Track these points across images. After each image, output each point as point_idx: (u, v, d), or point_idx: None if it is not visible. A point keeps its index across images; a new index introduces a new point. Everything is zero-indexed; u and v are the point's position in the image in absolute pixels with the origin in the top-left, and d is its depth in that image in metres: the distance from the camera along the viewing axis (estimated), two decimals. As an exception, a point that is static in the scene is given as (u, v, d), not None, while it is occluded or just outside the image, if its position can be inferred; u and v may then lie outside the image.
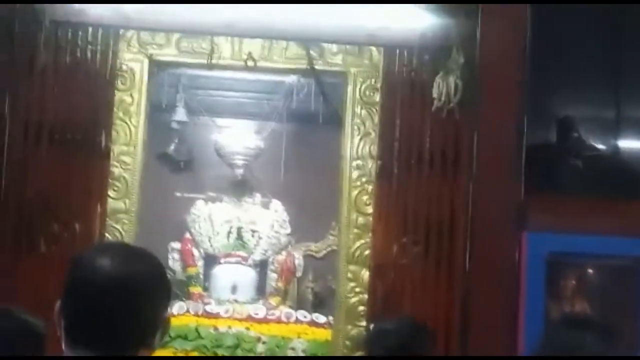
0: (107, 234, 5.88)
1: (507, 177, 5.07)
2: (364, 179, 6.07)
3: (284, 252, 8.24)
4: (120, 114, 5.98)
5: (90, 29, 5.57)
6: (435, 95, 5.32)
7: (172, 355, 7.23)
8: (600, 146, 5.45)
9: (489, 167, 5.09)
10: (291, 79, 7.43)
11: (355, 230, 6.08)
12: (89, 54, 5.59)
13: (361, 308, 5.93)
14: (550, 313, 5.17)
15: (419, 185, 5.46)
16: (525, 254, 5.03)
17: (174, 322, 7.34)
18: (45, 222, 5.38)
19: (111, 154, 5.89)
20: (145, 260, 2.25)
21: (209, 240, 8.17)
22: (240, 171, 8.14)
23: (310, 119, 7.75)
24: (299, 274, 8.26)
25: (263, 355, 7.30)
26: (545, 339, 3.05)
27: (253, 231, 8.23)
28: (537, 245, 5.02)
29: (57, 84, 5.44)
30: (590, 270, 5.22)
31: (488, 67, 5.14)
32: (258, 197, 8.34)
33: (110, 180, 5.90)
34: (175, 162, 8.46)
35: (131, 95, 6.06)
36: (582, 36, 5.43)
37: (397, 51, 5.62)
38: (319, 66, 6.30)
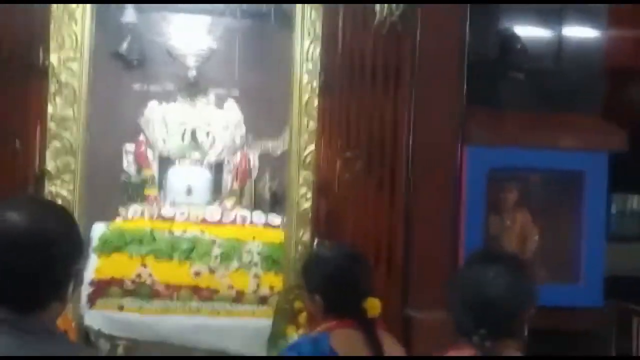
0: (56, 142, 5.85)
1: (449, 91, 5.03)
2: (314, 83, 6.01)
3: (239, 153, 8.25)
4: (66, 19, 5.87)
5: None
6: (377, 8, 5.22)
7: (128, 259, 7.30)
8: (543, 59, 5.39)
9: (430, 81, 5.04)
10: (242, -21, 7.32)
11: (306, 136, 6.06)
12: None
13: (312, 214, 5.97)
14: (491, 227, 5.21)
15: (362, 99, 5.41)
16: (466, 168, 5.02)
17: (129, 225, 7.39)
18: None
19: (58, 62, 5.81)
20: (53, 214, 2.28)
21: (164, 142, 8.15)
22: (193, 72, 8.07)
23: (263, 19, 7.67)
24: (254, 174, 8.29)
25: (218, 257, 7.37)
26: (459, 274, 3.07)
27: (208, 132, 8.21)
28: (478, 159, 5.02)
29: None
30: (531, 184, 5.24)
31: (429, -21, 5.03)
32: (212, 97, 8.29)
33: (57, 87, 5.83)
34: (128, 61, 8.37)
35: (76, 0, 5.93)
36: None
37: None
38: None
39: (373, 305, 3.42)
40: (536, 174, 5.29)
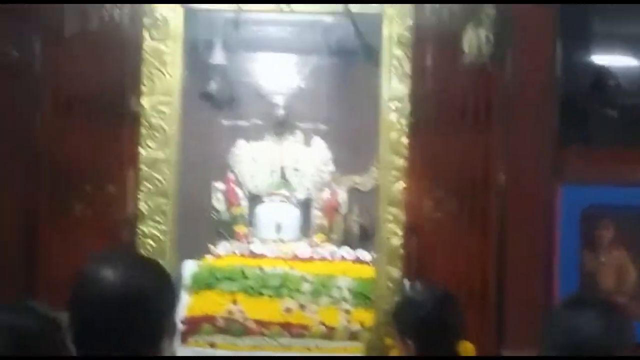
0: (147, 184, 5.95)
1: (542, 130, 4.99)
2: (402, 121, 6.01)
3: (327, 190, 8.26)
4: (156, 64, 5.98)
5: (117, -6, 5.53)
6: (466, 48, 5.20)
7: (219, 296, 7.35)
8: (636, 95, 5.31)
9: (522, 120, 5.01)
10: (329, 17, 7.35)
11: (394, 172, 6.05)
12: (117, 18, 5.55)
13: (402, 251, 5.94)
14: (586, 264, 5.13)
15: (452, 138, 5.39)
16: (561, 206, 4.97)
17: (220, 263, 7.45)
18: (79, 185, 5.44)
19: (149, 105, 5.92)
20: (147, 271, 2.31)
21: (252, 179, 8.21)
22: (281, 110, 8.12)
23: (350, 57, 7.69)
24: (343, 210, 8.28)
25: (308, 293, 7.37)
26: (552, 317, 3.01)
27: (296, 169, 8.24)
28: (572, 198, 4.96)
29: (85, 49, 5.44)
30: (628, 221, 5.15)
31: (520, 18, 5.01)
32: (300, 135, 8.33)
33: (149, 131, 5.94)
34: (217, 101, 8.46)
35: (166, 45, 6.04)
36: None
37: (427, 4, 5.50)
38: (355, 9, 6.21)
39: (467, 349, 3.40)
40: (632, 210, 5.20)
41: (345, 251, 7.69)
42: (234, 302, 7.27)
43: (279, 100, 8.10)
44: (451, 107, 5.43)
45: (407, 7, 5.90)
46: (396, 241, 5.96)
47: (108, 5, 5.54)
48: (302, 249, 7.69)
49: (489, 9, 5.13)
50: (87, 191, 5.47)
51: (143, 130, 5.90)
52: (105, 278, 2.23)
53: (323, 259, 7.64)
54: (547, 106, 4.97)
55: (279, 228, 7.96)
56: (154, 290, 2.28)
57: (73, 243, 5.36)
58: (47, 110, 5.30)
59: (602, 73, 5.27)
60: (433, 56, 5.56)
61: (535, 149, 5.00)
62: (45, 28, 5.18)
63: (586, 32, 5.31)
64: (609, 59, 5.38)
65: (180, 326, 7.07)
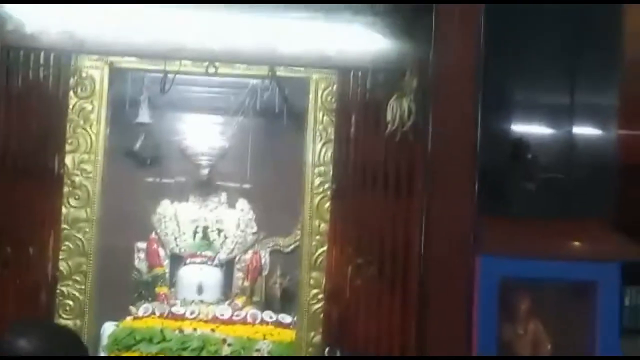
0: (68, 243, 5.89)
1: (460, 200, 5.05)
2: (326, 185, 6.07)
3: (250, 251, 8.28)
4: (81, 122, 5.98)
5: (42, 54, 5.51)
6: (389, 118, 5.29)
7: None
8: (554, 166, 5.42)
9: (441, 190, 5.06)
10: (255, 80, 7.42)
11: (318, 237, 6.10)
12: (41, 78, 5.54)
13: (323, 315, 5.96)
14: (503, 335, 5.18)
15: (373, 206, 5.45)
16: (479, 276, 5.03)
17: (140, 324, 7.39)
18: (-1, 247, 5.36)
19: (72, 164, 5.89)
20: (60, 339, 2.31)
21: (175, 240, 8.20)
22: (205, 171, 8.15)
23: (275, 119, 7.77)
24: (265, 272, 8.31)
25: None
26: None
27: (219, 230, 8.26)
28: (490, 268, 5.01)
29: (8, 109, 5.39)
30: (543, 293, 5.23)
31: (441, 89, 5.09)
32: (224, 196, 8.35)
33: (71, 189, 5.90)
34: (142, 159, 8.46)
35: (92, 103, 6.05)
36: (540, 50, 5.39)
37: (352, 73, 5.59)
38: (281, 72, 6.27)
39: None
40: (547, 283, 5.29)
41: (267, 314, 7.69)
42: (153, 365, 7.23)
43: (204, 160, 8.12)
44: (373, 174, 5.49)
45: (333, 73, 5.99)
46: (317, 305, 5.98)
47: (33, 63, 5.51)
48: (224, 311, 7.67)
49: (412, 80, 5.23)
50: (7, 253, 5.38)
51: (65, 189, 5.86)
52: (20, 349, 2.24)
53: (244, 321, 7.64)
54: (466, 175, 5.03)
55: (200, 289, 7.94)
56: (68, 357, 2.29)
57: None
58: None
59: (520, 144, 5.37)
60: (356, 124, 5.64)
61: (454, 217, 5.05)
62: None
63: (507, 103, 5.42)
64: (528, 129, 5.49)
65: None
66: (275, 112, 7.57)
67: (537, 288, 5.26)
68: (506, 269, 5.06)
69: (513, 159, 5.38)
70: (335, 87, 5.99)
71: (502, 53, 5.25)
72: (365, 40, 5.41)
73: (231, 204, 8.35)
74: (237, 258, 8.28)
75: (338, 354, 5.28)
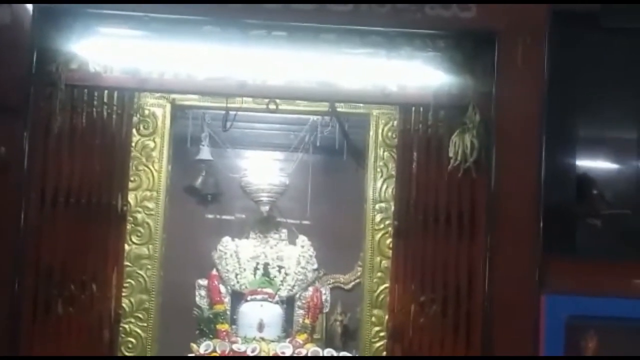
0: (130, 280, 5.91)
1: (525, 239, 5.00)
2: (387, 222, 6.03)
3: (310, 288, 8.22)
4: (143, 160, 6.02)
5: (106, 92, 5.57)
6: (451, 154, 5.26)
7: (200, 395, 7.26)
8: (620, 203, 5.34)
9: (506, 228, 5.02)
10: (315, 116, 7.42)
11: (379, 274, 6.05)
12: (105, 116, 5.60)
13: (385, 353, 5.89)
14: (570, 375, 5.09)
15: (436, 244, 5.42)
16: (544, 316, 4.95)
17: (201, 362, 7.37)
18: (63, 285, 5.41)
19: (135, 201, 5.93)
20: None
21: (236, 277, 8.17)
22: (266, 207, 8.12)
23: (335, 155, 7.74)
24: (326, 309, 8.24)
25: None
26: None
27: (280, 267, 8.21)
28: (556, 307, 4.95)
29: (73, 147, 5.46)
30: (611, 331, 5.13)
31: (504, 124, 5.07)
32: (284, 232, 8.33)
33: (133, 226, 5.94)
34: (203, 196, 8.49)
35: (154, 140, 6.10)
36: (603, 86, 5.32)
37: (413, 109, 5.57)
38: (341, 108, 6.26)
39: None
40: (615, 321, 5.18)
41: (328, 352, 7.62)
42: (215, 402, 7.19)
43: (264, 196, 8.10)
44: (435, 212, 5.46)
45: (394, 109, 5.96)
46: (379, 343, 5.93)
47: (97, 102, 5.57)
48: (285, 348, 7.61)
49: (474, 115, 5.19)
50: (72, 290, 5.43)
51: (128, 226, 5.90)
52: None
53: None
54: (531, 213, 4.98)
55: (261, 327, 7.88)
56: None
57: (55, 342, 5.30)
58: (33, 206, 5.28)
59: (585, 181, 5.30)
60: (418, 160, 5.61)
61: (519, 256, 5.00)
62: (34, 123, 5.18)
63: (571, 138, 5.36)
64: (593, 165, 5.42)
65: None
66: (336, 149, 7.55)
67: (605, 327, 5.16)
68: (572, 308, 4.99)
69: (578, 196, 5.31)
70: (396, 122, 5.96)
71: (567, 87, 5.20)
72: (426, 75, 5.39)
73: (291, 241, 8.31)
74: (297, 295, 8.22)
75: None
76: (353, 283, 8.34)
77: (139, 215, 5.99)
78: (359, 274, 7.68)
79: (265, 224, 8.28)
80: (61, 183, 5.44)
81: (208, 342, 7.69)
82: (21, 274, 5.20)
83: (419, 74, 5.38)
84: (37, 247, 5.33)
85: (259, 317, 7.92)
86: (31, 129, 5.22)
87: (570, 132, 5.34)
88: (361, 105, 6.17)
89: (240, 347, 7.61)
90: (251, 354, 7.53)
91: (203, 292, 8.16)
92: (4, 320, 5.05)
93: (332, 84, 5.52)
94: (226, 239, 8.21)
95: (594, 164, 5.41)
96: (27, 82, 5.20)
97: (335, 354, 7.61)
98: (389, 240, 5.96)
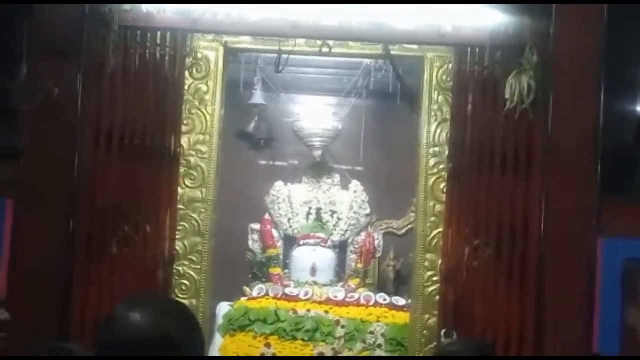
0: (184, 223, 5.93)
1: (582, 181, 4.92)
2: (441, 166, 5.96)
3: (363, 233, 8.22)
4: (196, 103, 6.00)
5: (158, 33, 5.55)
6: (507, 95, 5.17)
7: (252, 339, 7.31)
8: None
9: (562, 171, 4.94)
10: (369, 60, 7.35)
11: (433, 219, 5.99)
12: (158, 57, 5.59)
13: (438, 297, 5.86)
14: (627, 318, 5.03)
15: (491, 187, 5.35)
16: (601, 260, 4.89)
17: (254, 305, 7.41)
18: (117, 225, 5.44)
19: (188, 145, 5.93)
20: (175, 317, 2.29)
21: (289, 222, 8.19)
22: (318, 152, 8.11)
23: (389, 99, 7.68)
24: (378, 254, 8.24)
25: (342, 338, 7.32)
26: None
27: (332, 212, 8.22)
28: (612, 251, 4.88)
29: (126, 88, 5.47)
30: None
31: (562, 66, 4.97)
32: (337, 177, 8.31)
33: (186, 170, 5.94)
34: (256, 140, 8.49)
35: (207, 84, 6.07)
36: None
37: (469, 50, 5.48)
38: (395, 51, 6.18)
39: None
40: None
41: (380, 297, 7.62)
42: (267, 345, 7.23)
43: (317, 141, 8.08)
44: (491, 154, 5.38)
45: (448, 52, 5.87)
46: (432, 288, 5.90)
47: (150, 43, 5.56)
48: (337, 293, 7.63)
49: (531, 56, 5.10)
50: (126, 231, 5.46)
51: (181, 169, 5.90)
52: (132, 322, 2.22)
53: (358, 303, 7.57)
54: (589, 156, 4.90)
55: (314, 271, 7.91)
56: (181, 335, 2.26)
57: (109, 283, 5.36)
58: (87, 148, 5.31)
59: (644, 124, 5.20)
60: (474, 102, 5.53)
61: (576, 199, 4.93)
62: (88, 65, 5.20)
63: (630, 81, 5.25)
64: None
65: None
66: (390, 93, 7.48)
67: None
68: (630, 251, 4.92)
69: (637, 139, 5.21)
70: (451, 65, 5.86)
71: (628, 28, 5.08)
72: (482, 15, 5.30)
73: (344, 186, 8.30)
74: (350, 240, 8.23)
75: (454, 337, 5.19)
76: (406, 229, 8.31)
77: (192, 159, 5.97)
78: (412, 219, 7.62)
79: (318, 169, 8.27)
80: (115, 125, 5.46)
81: (261, 285, 7.74)
82: (76, 215, 5.26)
83: (475, 14, 5.28)
84: (91, 188, 5.37)
85: (312, 261, 7.95)
86: (85, 70, 5.24)
87: (630, 74, 5.23)
88: (415, 48, 6.05)
89: (292, 291, 7.65)
90: (304, 298, 7.57)
91: (256, 236, 8.22)
92: (60, 260, 5.11)
93: (386, 24, 5.43)
94: (279, 184, 8.23)
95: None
96: (81, 24, 5.21)
97: (387, 298, 7.62)
98: (442, 185, 5.88)
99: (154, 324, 2.23)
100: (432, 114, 6.02)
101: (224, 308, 7.42)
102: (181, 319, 2.31)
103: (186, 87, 5.94)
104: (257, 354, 7.17)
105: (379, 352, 7.23)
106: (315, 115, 8.10)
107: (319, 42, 6.01)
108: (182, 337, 2.26)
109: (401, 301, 7.53)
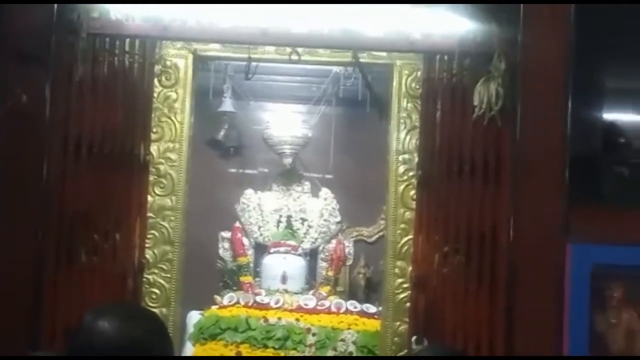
0: (154, 231, 5.90)
1: (550, 187, 4.94)
2: (411, 173, 5.97)
3: (334, 241, 8.24)
4: (166, 111, 5.97)
5: (127, 40, 5.53)
6: (476, 102, 5.19)
7: (223, 347, 7.30)
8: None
9: (531, 177, 4.97)
10: (338, 68, 7.37)
11: (402, 226, 5.99)
12: (126, 65, 5.56)
13: (409, 304, 5.86)
14: (596, 325, 5.06)
15: (460, 193, 5.36)
16: (569, 265, 4.91)
17: (225, 313, 7.40)
18: (86, 233, 5.40)
19: (157, 152, 5.90)
20: (144, 325, 2.28)
21: (259, 229, 8.19)
22: (288, 160, 8.13)
23: (358, 107, 7.70)
24: (349, 262, 8.26)
25: (313, 346, 7.32)
26: None
27: (303, 220, 8.23)
28: (581, 257, 4.90)
29: (95, 95, 5.43)
30: (637, 282, 5.08)
31: (530, 73, 4.99)
32: (307, 185, 8.32)
33: (156, 178, 5.91)
34: (225, 148, 8.49)
35: (176, 92, 6.04)
36: (631, 35, 5.23)
37: (437, 57, 5.50)
38: (364, 59, 6.18)
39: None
40: (640, 272, 5.13)
41: (351, 304, 7.63)
42: (238, 354, 7.22)
43: (287, 149, 8.09)
44: (460, 161, 5.40)
45: (417, 59, 5.89)
46: (402, 295, 5.90)
47: (118, 51, 5.53)
48: (308, 300, 7.64)
49: (499, 63, 5.12)
50: (95, 239, 5.42)
51: (151, 177, 5.87)
52: (101, 330, 2.21)
53: (329, 311, 7.59)
54: (557, 162, 4.92)
55: (284, 279, 7.92)
56: (150, 342, 2.26)
57: (79, 291, 5.31)
58: (56, 155, 5.27)
59: (612, 130, 5.23)
60: (442, 109, 5.54)
61: (544, 205, 4.95)
62: (56, 72, 5.16)
63: (597, 87, 5.28)
64: (620, 116, 5.34)
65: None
66: (359, 100, 7.50)
67: (631, 276, 5.11)
68: (598, 257, 4.94)
69: (605, 144, 5.24)
70: (419, 72, 5.88)
71: (594, 37, 5.11)
72: (450, 23, 5.32)
73: (314, 193, 8.32)
74: (320, 247, 8.25)
75: (425, 343, 5.19)
76: (376, 236, 8.34)
77: (161, 167, 5.95)
78: (382, 226, 7.64)
79: (288, 177, 8.29)
80: (83, 132, 5.42)
81: (232, 293, 7.74)
82: (44, 223, 5.21)
83: (444, 21, 5.30)
84: (60, 196, 5.33)
85: (282, 269, 7.96)
86: (53, 77, 5.20)
87: (598, 81, 5.25)
88: (384, 55, 6.06)
89: (263, 299, 7.66)
90: (275, 306, 7.57)
91: (226, 245, 8.21)
92: (28, 269, 5.06)
93: (355, 31, 5.44)
94: (249, 192, 8.23)
95: (622, 113, 5.33)
96: (49, 31, 5.17)
97: (358, 305, 7.63)
98: (412, 192, 5.88)
99: (122, 332, 2.23)
100: (402, 121, 6.03)
101: (194, 317, 7.41)
102: (150, 327, 2.30)
103: (155, 95, 5.90)
104: (228, 362, 7.17)
105: (350, 360, 7.24)
106: (285, 123, 8.11)
107: (289, 50, 6.00)
108: (150, 344, 2.26)
109: (372, 308, 7.56)
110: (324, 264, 8.17)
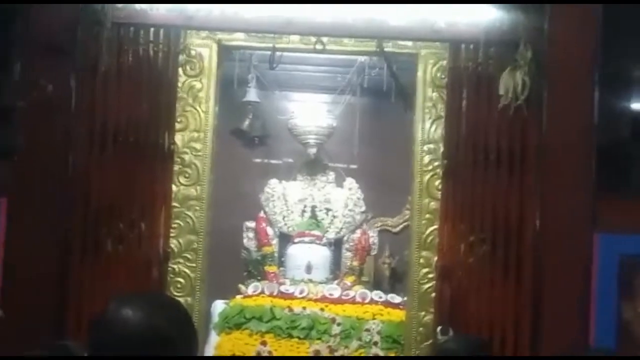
0: (178, 221, 5.91)
1: (577, 177, 4.92)
2: (436, 163, 5.94)
3: (358, 231, 8.22)
4: (190, 100, 5.97)
5: (152, 30, 5.54)
6: (501, 91, 5.16)
7: (248, 336, 7.29)
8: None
9: (557, 166, 4.95)
10: (363, 57, 7.33)
11: (428, 216, 5.97)
12: (151, 55, 5.57)
13: (434, 294, 5.84)
14: (623, 313, 5.03)
15: (486, 183, 5.34)
16: (597, 255, 4.89)
17: (250, 302, 7.40)
18: (111, 223, 5.43)
19: (182, 142, 5.90)
20: (169, 314, 2.28)
21: (283, 219, 8.18)
22: (313, 150, 8.10)
23: (383, 97, 7.65)
24: (374, 252, 8.23)
25: (338, 336, 7.31)
26: None
27: (327, 210, 8.21)
28: (608, 247, 4.88)
29: (120, 85, 5.45)
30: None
31: (557, 62, 4.97)
32: (332, 175, 8.30)
33: (180, 167, 5.91)
34: (250, 138, 8.47)
35: (200, 81, 6.03)
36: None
37: (463, 46, 5.47)
38: (389, 48, 6.16)
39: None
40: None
41: (376, 294, 7.61)
42: (263, 343, 7.22)
43: (311, 139, 8.07)
44: (485, 151, 5.37)
45: (442, 48, 5.86)
46: (427, 285, 5.88)
47: (143, 40, 5.54)
48: (333, 290, 7.62)
49: (526, 52, 5.09)
50: (120, 229, 5.45)
51: (175, 167, 5.88)
52: (125, 319, 2.21)
53: (353, 301, 7.56)
54: (584, 152, 4.90)
55: (309, 268, 7.90)
56: (175, 331, 2.25)
57: (105, 280, 5.34)
58: (81, 145, 5.30)
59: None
60: (468, 98, 5.51)
61: (571, 194, 4.93)
62: (81, 62, 5.19)
63: (625, 77, 5.25)
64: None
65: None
66: (384, 90, 7.46)
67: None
68: (626, 247, 4.92)
69: (632, 135, 5.21)
70: (445, 62, 5.84)
71: (621, 25, 5.07)
72: (476, 11, 5.29)
73: (339, 183, 8.30)
74: (345, 237, 8.22)
75: (450, 333, 5.18)
76: (401, 226, 8.30)
77: (186, 156, 5.95)
78: (406, 216, 7.61)
79: (313, 167, 8.26)
80: (108, 122, 5.44)
81: (256, 283, 7.73)
82: (70, 212, 5.25)
83: (469, 9, 5.27)
84: (85, 186, 5.36)
85: (307, 258, 7.94)
86: (78, 68, 5.23)
87: (625, 70, 5.23)
88: (409, 44, 6.03)
89: (288, 289, 7.64)
90: (299, 296, 7.56)
91: (251, 234, 8.20)
92: (54, 259, 5.09)
93: (380, 20, 5.43)
94: (273, 181, 8.22)
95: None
96: (74, 22, 5.20)
97: (383, 295, 7.61)
98: (437, 182, 5.86)
99: (146, 321, 2.22)
100: (427, 110, 6.00)
101: (219, 306, 7.41)
102: (174, 316, 2.29)
103: (180, 85, 5.91)
104: (252, 352, 7.16)
105: (374, 350, 7.22)
106: (310, 113, 8.09)
107: (313, 39, 5.98)
108: (175, 333, 2.25)
109: (397, 298, 7.53)
110: (349, 254, 8.15)
